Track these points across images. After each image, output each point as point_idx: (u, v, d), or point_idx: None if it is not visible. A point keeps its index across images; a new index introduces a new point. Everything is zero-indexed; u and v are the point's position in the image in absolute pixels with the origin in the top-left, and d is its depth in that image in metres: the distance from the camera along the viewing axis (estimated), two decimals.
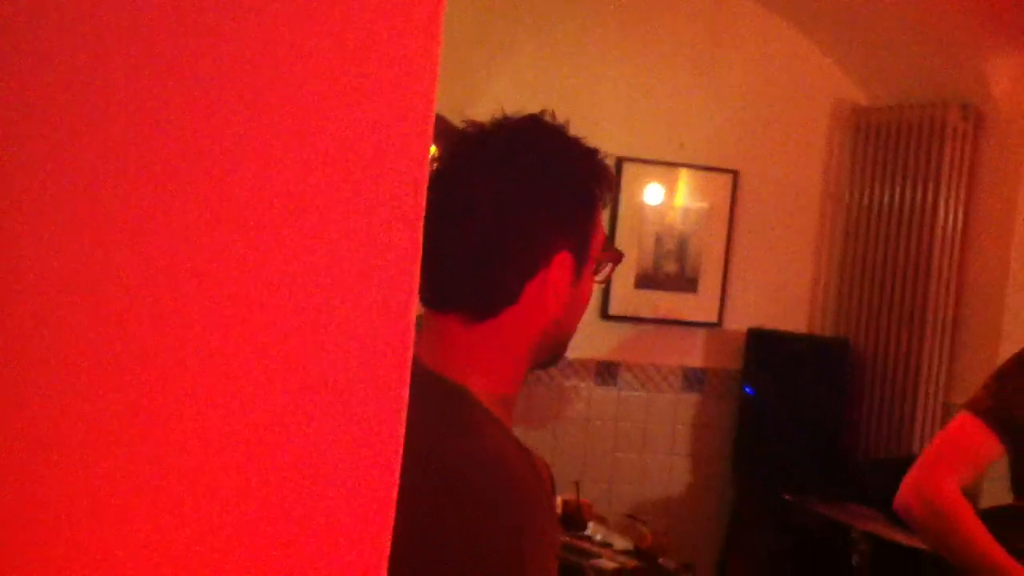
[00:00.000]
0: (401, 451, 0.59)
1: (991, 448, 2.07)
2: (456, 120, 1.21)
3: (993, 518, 2.07)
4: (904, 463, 2.21)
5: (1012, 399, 2.08)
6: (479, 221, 1.12)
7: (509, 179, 1.14)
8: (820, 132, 4.45)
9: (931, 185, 4.03)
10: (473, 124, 1.18)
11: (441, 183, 1.00)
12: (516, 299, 1.14)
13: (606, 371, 4.24)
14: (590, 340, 4.10)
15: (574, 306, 1.20)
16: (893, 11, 3.97)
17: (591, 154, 1.18)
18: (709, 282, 4.32)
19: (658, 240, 4.25)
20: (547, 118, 1.18)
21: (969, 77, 3.96)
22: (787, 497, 3.92)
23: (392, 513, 0.59)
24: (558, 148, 1.17)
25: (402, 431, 0.59)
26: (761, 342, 4.28)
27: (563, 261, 1.15)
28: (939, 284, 3.99)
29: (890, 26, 4.06)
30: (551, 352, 1.22)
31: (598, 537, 3.27)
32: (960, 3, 3.82)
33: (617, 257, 1.26)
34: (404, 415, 0.59)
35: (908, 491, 2.12)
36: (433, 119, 0.59)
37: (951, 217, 3.99)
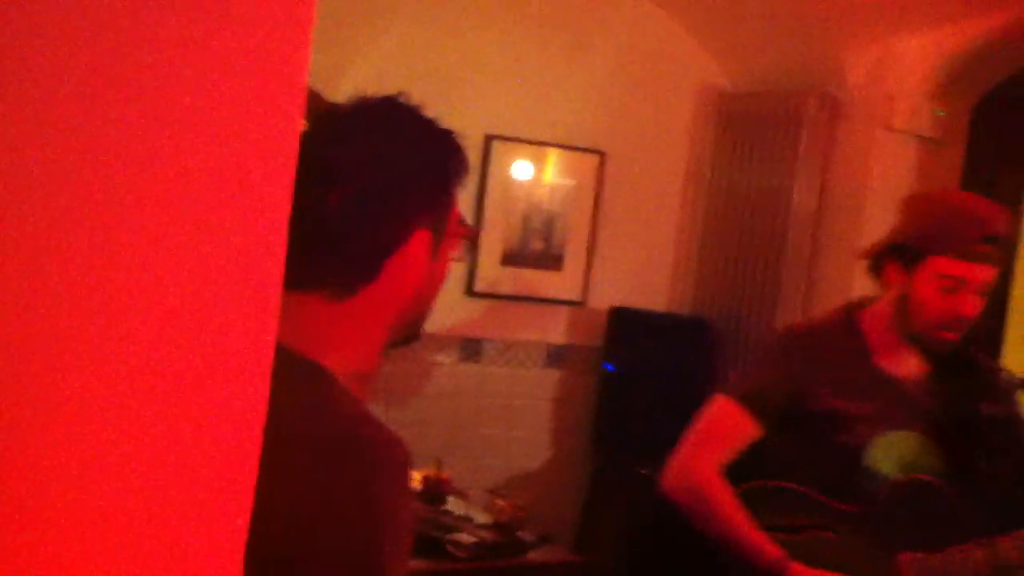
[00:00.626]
0: (261, 439, 0.59)
1: (748, 431, 2.19)
2: (325, 94, 1.21)
3: (749, 497, 2.18)
4: None
5: (767, 383, 2.21)
6: (337, 201, 1.13)
7: (367, 159, 1.15)
8: (685, 115, 4.53)
9: (788, 169, 4.16)
10: (331, 105, 1.19)
11: (300, 164, 1.02)
12: (375, 277, 1.16)
13: (471, 347, 4.25)
14: (455, 316, 4.10)
15: (431, 283, 1.22)
16: None
17: (447, 134, 1.21)
18: (574, 260, 4.36)
19: (525, 218, 4.27)
20: (404, 99, 1.20)
21: (827, 66, 4.09)
22: (643, 471, 4.01)
23: (251, 494, 0.60)
24: (415, 128, 1.19)
25: (263, 418, 0.59)
26: (623, 320, 4.35)
27: (421, 239, 1.17)
28: (793, 265, 4.12)
29: (755, 13, 4.16)
30: (409, 329, 1.24)
31: (458, 512, 3.28)
32: None
33: (472, 234, 1.29)
34: (266, 400, 0.60)
35: (672, 475, 2.24)
36: (304, 105, 0.58)
37: (805, 202, 4.13)
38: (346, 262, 1.15)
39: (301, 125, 0.60)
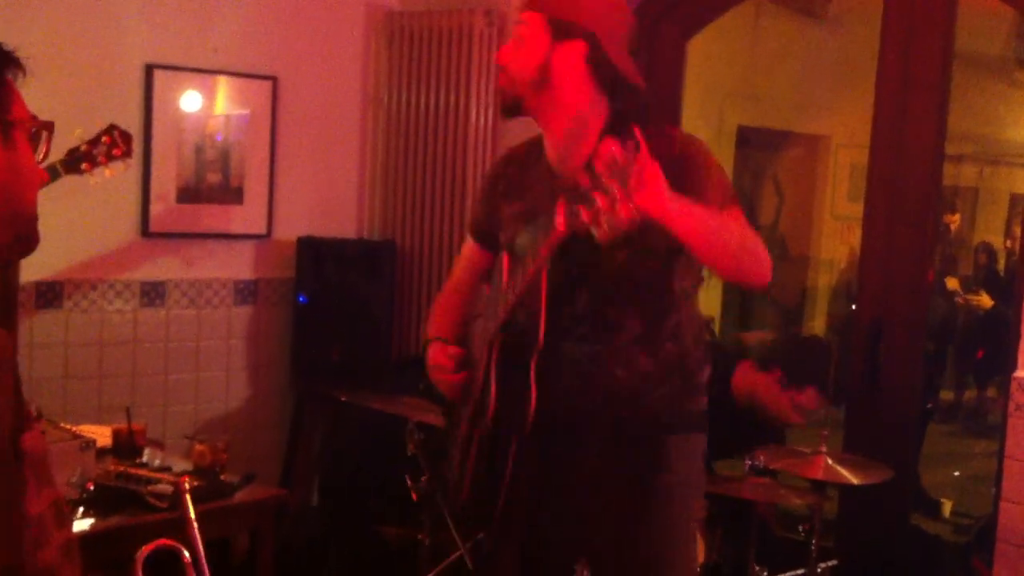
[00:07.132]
0: None
1: (474, 256, 2.50)
2: None
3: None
4: None
5: (481, 211, 2.50)
6: None
7: None
8: (356, 36, 4.47)
9: (462, 87, 4.22)
10: None
11: None
12: None
13: (152, 291, 4.04)
14: (131, 259, 3.88)
15: (12, 177, 1.15)
16: None
17: None
18: (255, 192, 4.24)
19: (198, 151, 4.08)
20: None
21: None
22: (343, 398, 4.00)
23: None
24: None
25: None
26: (311, 249, 4.29)
27: None
28: (475, 183, 4.21)
29: None
30: (10, 235, 1.16)
31: (156, 462, 3.15)
32: None
33: (47, 125, 1.21)
34: None
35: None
36: None
37: (482, 118, 4.20)
38: None
39: None
